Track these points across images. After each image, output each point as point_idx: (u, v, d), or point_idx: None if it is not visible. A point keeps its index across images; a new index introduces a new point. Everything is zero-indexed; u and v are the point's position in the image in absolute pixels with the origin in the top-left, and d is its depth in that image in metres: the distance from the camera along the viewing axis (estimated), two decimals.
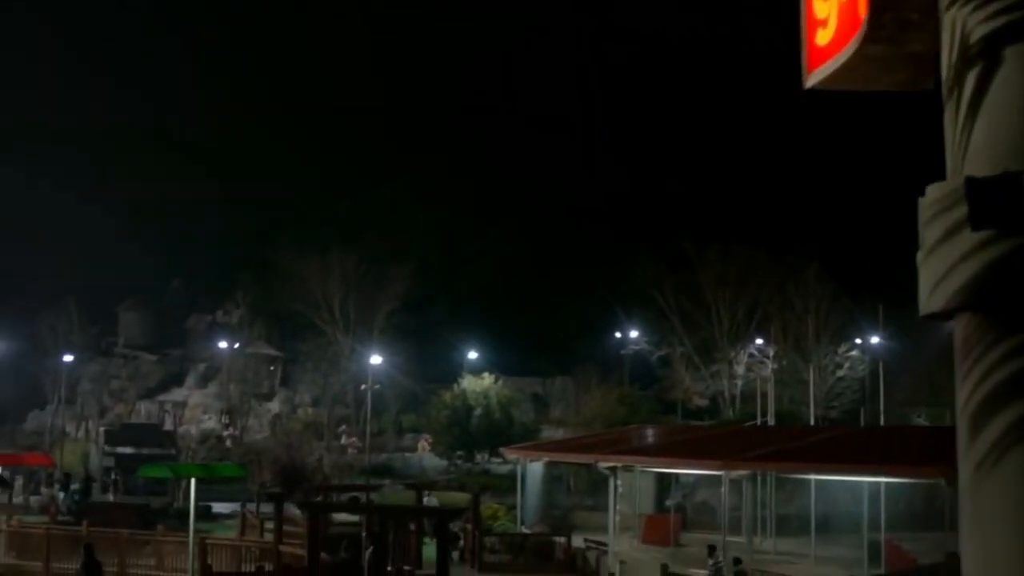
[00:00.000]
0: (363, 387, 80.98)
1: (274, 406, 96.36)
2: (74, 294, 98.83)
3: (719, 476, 37.28)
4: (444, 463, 74.09)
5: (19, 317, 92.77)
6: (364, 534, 32.61)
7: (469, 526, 43.95)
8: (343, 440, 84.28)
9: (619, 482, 41.85)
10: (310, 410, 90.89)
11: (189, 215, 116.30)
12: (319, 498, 45.81)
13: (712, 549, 37.22)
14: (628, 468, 45.55)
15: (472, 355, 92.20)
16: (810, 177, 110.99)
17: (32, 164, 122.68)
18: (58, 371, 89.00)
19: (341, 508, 41.22)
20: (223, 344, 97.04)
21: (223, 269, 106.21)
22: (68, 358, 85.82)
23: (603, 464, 41.71)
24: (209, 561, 35.55)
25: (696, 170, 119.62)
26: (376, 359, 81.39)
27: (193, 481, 41.79)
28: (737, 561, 35.28)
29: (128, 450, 73.77)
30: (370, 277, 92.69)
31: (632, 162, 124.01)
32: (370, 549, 30.22)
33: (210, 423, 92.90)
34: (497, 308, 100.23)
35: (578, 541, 43.89)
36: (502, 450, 55.70)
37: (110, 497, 57.76)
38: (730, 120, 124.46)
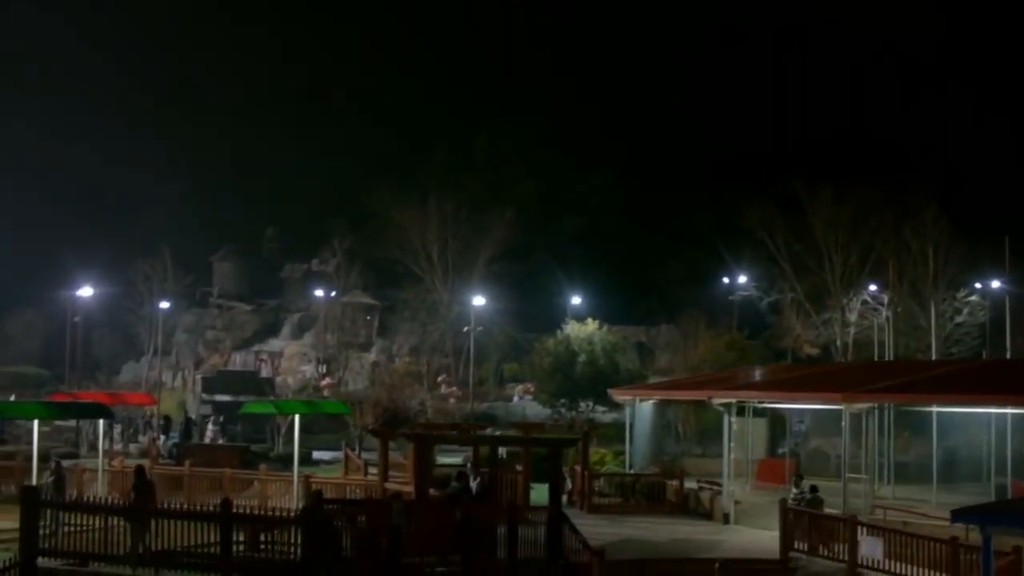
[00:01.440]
0: (465, 329, 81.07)
1: (371, 356, 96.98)
2: (168, 243, 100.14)
3: (834, 424, 36.89)
4: (547, 411, 73.97)
5: (113, 266, 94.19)
6: (470, 465, 32.76)
7: (578, 467, 43.96)
8: (443, 390, 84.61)
9: (733, 419, 41.50)
10: (408, 360, 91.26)
11: (284, 162, 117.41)
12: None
13: (799, 479, 37.03)
14: (741, 411, 45.15)
15: (575, 300, 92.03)
16: (927, 113, 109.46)
17: (129, 112, 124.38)
18: (153, 321, 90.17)
19: (449, 439, 41.36)
20: (319, 293, 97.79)
21: (319, 217, 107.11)
22: (164, 304, 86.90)
23: (717, 400, 41.41)
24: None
25: (807, 108, 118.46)
26: (479, 301, 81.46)
27: (296, 419, 42.41)
28: (814, 489, 35.11)
29: (226, 397, 74.66)
30: (469, 223, 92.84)
31: (739, 101, 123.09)
32: (477, 480, 30.33)
33: (307, 373, 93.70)
34: (600, 255, 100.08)
35: (690, 484, 43.80)
36: (610, 391, 55.48)
37: (209, 440, 58.34)
38: (840, 55, 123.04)
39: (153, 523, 26.04)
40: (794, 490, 36.11)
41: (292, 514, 25.89)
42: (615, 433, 59.75)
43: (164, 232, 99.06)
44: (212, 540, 25.21)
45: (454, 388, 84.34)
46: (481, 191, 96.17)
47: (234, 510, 25.17)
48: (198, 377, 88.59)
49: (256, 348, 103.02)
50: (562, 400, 72.57)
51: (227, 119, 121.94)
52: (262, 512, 27.81)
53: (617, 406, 69.82)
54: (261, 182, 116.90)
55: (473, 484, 31.00)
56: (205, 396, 77.25)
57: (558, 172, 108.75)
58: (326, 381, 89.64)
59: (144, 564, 25.39)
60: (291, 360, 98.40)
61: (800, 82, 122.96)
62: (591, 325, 74.54)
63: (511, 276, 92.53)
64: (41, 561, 26.41)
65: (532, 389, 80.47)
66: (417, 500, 28.89)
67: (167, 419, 56.76)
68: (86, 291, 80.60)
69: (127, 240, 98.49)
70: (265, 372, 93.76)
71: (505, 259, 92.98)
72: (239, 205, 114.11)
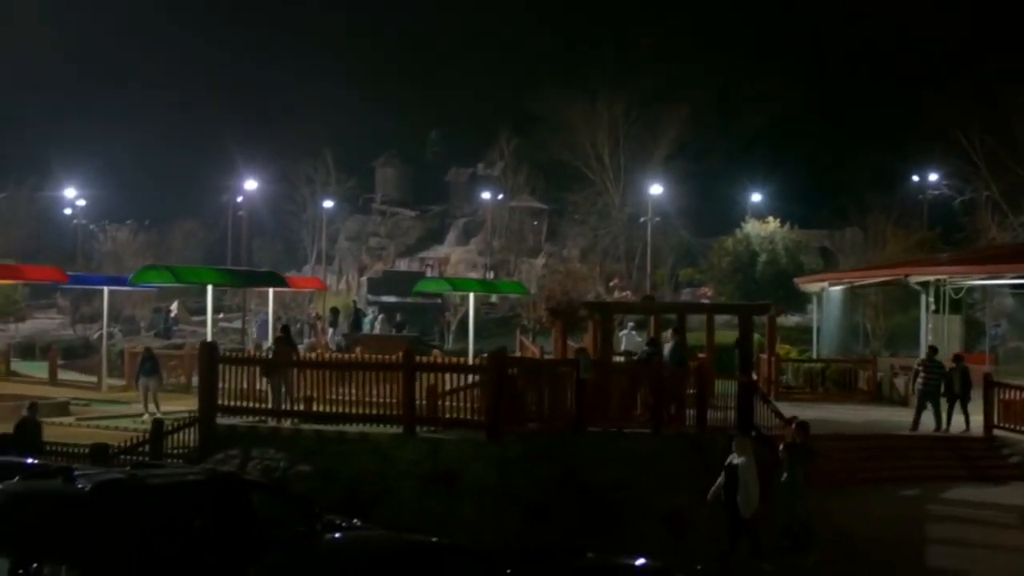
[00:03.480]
0: (642, 220, 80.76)
1: (540, 261, 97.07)
2: (330, 147, 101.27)
3: None
4: (725, 317, 73.45)
5: (276, 169, 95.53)
6: (649, 339, 32.63)
7: (763, 355, 43.52)
8: (615, 295, 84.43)
9: (931, 298, 40.67)
10: (578, 265, 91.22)
11: (447, 64, 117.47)
12: None
13: (933, 351, 35.58)
14: (936, 305, 44.06)
15: (755, 198, 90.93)
16: None
17: (291, 14, 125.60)
18: (316, 225, 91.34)
19: (633, 307, 41.25)
20: (486, 196, 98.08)
21: (484, 120, 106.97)
22: (328, 203, 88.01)
23: (915, 279, 40.61)
24: None
25: None
26: (656, 190, 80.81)
27: (472, 297, 42.75)
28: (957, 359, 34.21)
29: (391, 299, 75.42)
30: (641, 123, 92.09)
31: None
32: (671, 343, 30.21)
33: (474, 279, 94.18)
34: (779, 156, 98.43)
35: (883, 373, 43.10)
36: (797, 280, 54.65)
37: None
38: None
39: (334, 377, 26.37)
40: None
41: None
42: (796, 338, 59.10)
43: (326, 136, 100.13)
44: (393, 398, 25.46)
45: (627, 293, 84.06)
46: (653, 89, 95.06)
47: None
48: (363, 280, 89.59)
49: (421, 255, 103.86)
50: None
51: (391, 23, 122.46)
52: (445, 360, 27.99)
53: (801, 309, 69.05)
54: (424, 85, 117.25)
55: (667, 346, 30.95)
56: (371, 297, 78.13)
57: (735, 68, 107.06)
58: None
59: (323, 421, 25.73)
60: (456, 267, 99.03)
61: None
62: (772, 223, 73.66)
63: (685, 178, 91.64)
64: (220, 418, 26.92)
65: (709, 293, 79.77)
66: (602, 367, 28.76)
67: (335, 311, 57.25)
68: (250, 184, 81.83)
69: (289, 144, 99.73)
70: None
71: (679, 160, 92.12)
72: (402, 109, 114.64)
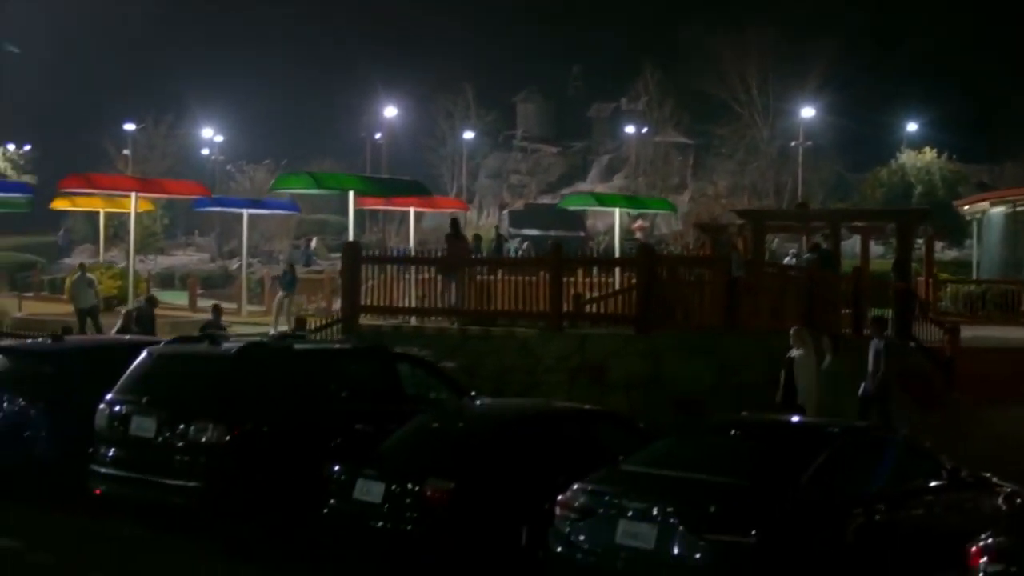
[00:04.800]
0: (793, 143, 79.95)
1: (685, 197, 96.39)
2: (470, 82, 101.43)
3: None
4: (879, 249, 72.56)
5: (414, 103, 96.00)
6: (812, 245, 32.34)
7: (920, 278, 42.84)
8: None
9: None
10: (724, 201, 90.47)
11: None
12: None
13: None
14: None
15: (911, 127, 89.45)
16: None
17: None
18: (455, 160, 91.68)
19: (786, 215, 40.94)
20: (630, 129, 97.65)
21: (627, 53, 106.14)
22: (468, 134, 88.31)
23: None
24: None
25: None
26: (807, 112, 79.88)
27: (617, 213, 42.71)
28: None
29: (533, 231, 75.50)
30: (792, 54, 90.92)
31: None
32: (826, 246, 29.94)
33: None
34: (937, 84, 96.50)
35: None
36: (956, 203, 53.78)
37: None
38: None
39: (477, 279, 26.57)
40: None
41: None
42: (955, 271, 58.15)
43: (466, 71, 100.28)
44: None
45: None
46: (805, 17, 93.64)
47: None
48: (504, 214, 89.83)
49: (563, 192, 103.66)
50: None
51: None
52: (594, 254, 27.97)
53: (958, 244, 67.92)
54: (565, 19, 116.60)
55: (806, 256, 30.76)
56: (512, 230, 78.22)
57: None
58: (638, 223, 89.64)
59: (470, 320, 25.91)
60: None
61: None
62: (928, 154, 72.44)
63: (837, 108, 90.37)
64: (363, 319, 27.22)
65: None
66: (754, 266, 28.54)
67: (477, 238, 57.46)
68: (389, 111, 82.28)
69: (429, 79, 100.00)
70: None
71: (831, 90, 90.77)
72: (543, 43, 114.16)
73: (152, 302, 31.14)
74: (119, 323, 29.77)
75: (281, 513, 15.73)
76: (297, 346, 18.12)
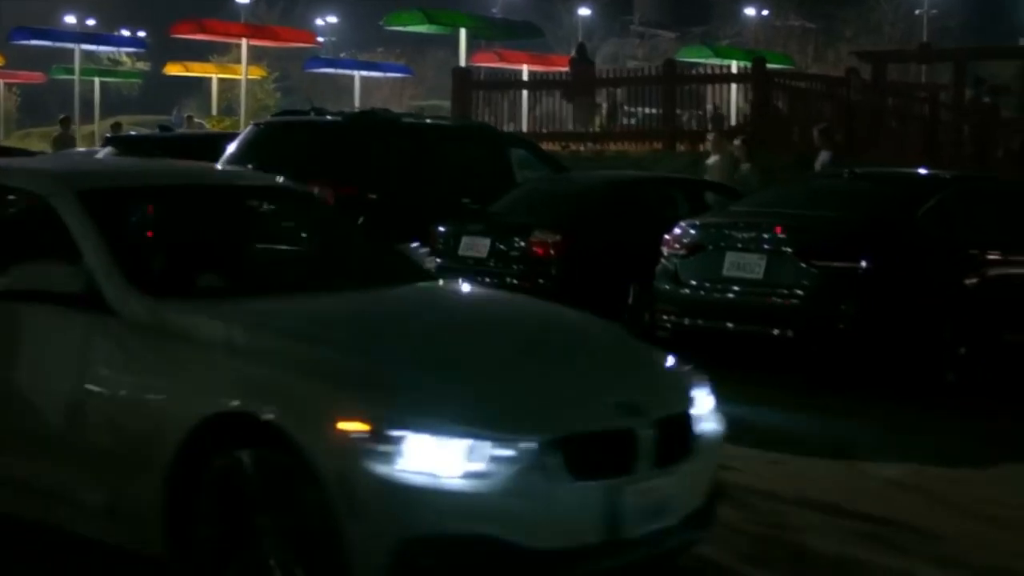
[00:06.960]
0: (917, 12, 78.69)
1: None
2: None
3: None
4: None
5: None
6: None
7: None
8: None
9: None
10: None
11: None
12: None
13: None
14: None
15: None
16: None
17: None
18: (571, 42, 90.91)
19: (904, 56, 40.37)
20: (750, 12, 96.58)
21: None
22: (584, 11, 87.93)
23: None
24: None
25: None
26: None
27: (734, 66, 42.31)
28: None
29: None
30: None
31: None
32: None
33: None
34: None
35: None
36: None
37: None
38: None
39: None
40: None
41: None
42: None
43: None
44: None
45: None
46: None
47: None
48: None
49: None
50: None
51: None
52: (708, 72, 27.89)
53: None
54: None
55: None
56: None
57: None
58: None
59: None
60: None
61: None
62: None
63: None
64: None
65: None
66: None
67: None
68: None
69: None
70: None
71: None
72: None
73: None
74: None
75: None
76: (404, 119, 18.50)
